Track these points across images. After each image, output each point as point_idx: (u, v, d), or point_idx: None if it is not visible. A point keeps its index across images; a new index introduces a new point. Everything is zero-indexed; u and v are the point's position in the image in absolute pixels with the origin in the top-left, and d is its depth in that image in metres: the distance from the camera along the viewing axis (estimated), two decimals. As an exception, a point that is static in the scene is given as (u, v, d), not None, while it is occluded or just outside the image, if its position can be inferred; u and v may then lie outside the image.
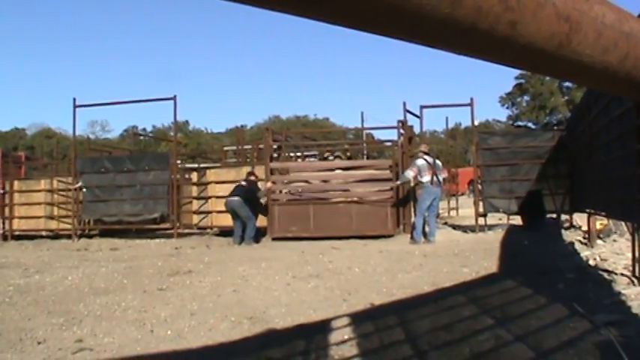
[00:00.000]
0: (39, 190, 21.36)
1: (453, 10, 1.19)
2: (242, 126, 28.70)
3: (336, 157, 21.24)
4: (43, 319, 7.54)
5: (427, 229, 15.62)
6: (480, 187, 17.47)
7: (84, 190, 19.78)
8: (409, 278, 9.83)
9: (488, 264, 10.95)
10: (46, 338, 6.65)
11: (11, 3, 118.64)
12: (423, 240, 15.26)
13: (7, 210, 21.40)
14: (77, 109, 20.33)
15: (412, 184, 16.63)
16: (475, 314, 6.99)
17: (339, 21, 1.19)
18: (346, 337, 6.26)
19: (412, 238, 15.41)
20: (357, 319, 7.07)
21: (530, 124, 68.81)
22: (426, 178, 15.64)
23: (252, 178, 17.61)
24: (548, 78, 68.01)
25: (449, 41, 1.38)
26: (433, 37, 1.33)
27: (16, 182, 21.83)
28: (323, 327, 6.75)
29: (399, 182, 16.43)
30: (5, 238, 20.91)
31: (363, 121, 26.72)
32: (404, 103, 18.00)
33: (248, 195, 17.02)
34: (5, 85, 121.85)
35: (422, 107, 18.58)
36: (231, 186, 17.48)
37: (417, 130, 18.85)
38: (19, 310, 8.17)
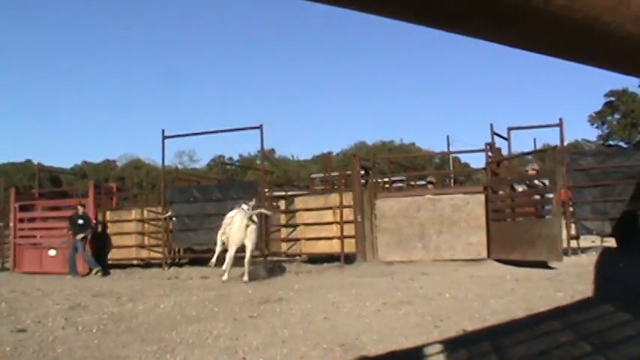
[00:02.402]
0: (130, 220, 21.75)
1: (636, 27, 1.12)
2: (328, 153, 28.74)
3: (428, 182, 21.07)
4: (137, 346, 7.61)
5: None
6: (571, 209, 17.06)
7: (174, 219, 20.05)
8: (502, 303, 9.62)
9: (583, 288, 10.63)
10: (140, 366, 6.70)
11: (98, 39, 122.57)
12: None
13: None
14: (166, 140, 20.73)
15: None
16: (572, 340, 6.78)
17: (522, 45, 1.14)
18: (440, 364, 6.14)
19: None
20: (450, 345, 6.93)
21: (621, 143, 66.92)
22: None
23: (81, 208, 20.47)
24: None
25: (624, 62, 1.30)
26: (611, 59, 1.26)
27: (108, 212, 22.28)
28: (415, 354, 6.64)
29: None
30: (99, 267, 21.34)
31: (449, 144, 26.51)
32: (491, 125, 17.68)
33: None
34: (97, 119, 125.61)
35: (509, 129, 18.24)
36: (320, 213, 17.95)
37: (504, 152, 18.54)
38: (114, 337, 8.28)
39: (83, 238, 20.00)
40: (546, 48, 1.19)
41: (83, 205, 20.64)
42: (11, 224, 22.93)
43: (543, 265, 14.17)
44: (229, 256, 15.58)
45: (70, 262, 20.03)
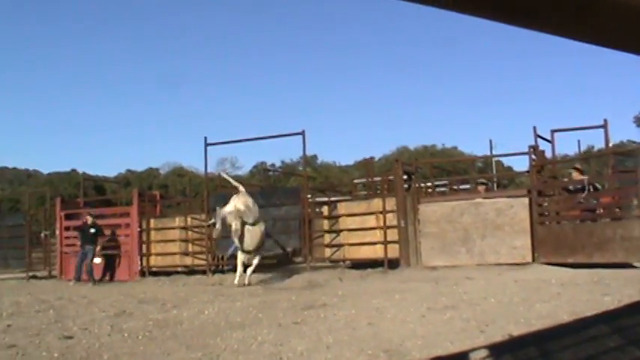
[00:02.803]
0: (174, 228, 21.91)
1: None
2: (370, 158, 28.56)
3: (480, 182, 20.81)
4: (182, 353, 7.65)
5: None
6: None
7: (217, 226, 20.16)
8: (547, 308, 9.51)
9: (632, 292, 10.47)
10: (185, 372, 6.72)
11: (138, 50, 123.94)
12: None
13: (144, 247, 22.03)
14: (208, 148, 20.88)
15: None
16: (621, 345, 6.65)
17: (592, 39, 1.12)
18: (486, 369, 6.07)
19: None
20: (496, 350, 6.85)
21: (670, 144, 65.51)
22: None
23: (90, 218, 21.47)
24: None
25: None
26: None
27: (152, 220, 22.45)
28: (461, 359, 6.55)
29: None
30: (143, 274, 21.49)
31: (491, 148, 26.23)
32: (534, 128, 17.49)
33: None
34: (139, 128, 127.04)
35: (553, 131, 18.05)
36: (363, 219, 18.00)
37: (548, 155, 18.31)
38: (159, 344, 8.32)
39: (94, 248, 21.02)
40: (616, 42, 1.15)
41: (92, 215, 21.57)
42: (57, 233, 23.27)
43: (618, 266, 14.02)
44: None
45: (83, 269, 21.06)
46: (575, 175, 16.24)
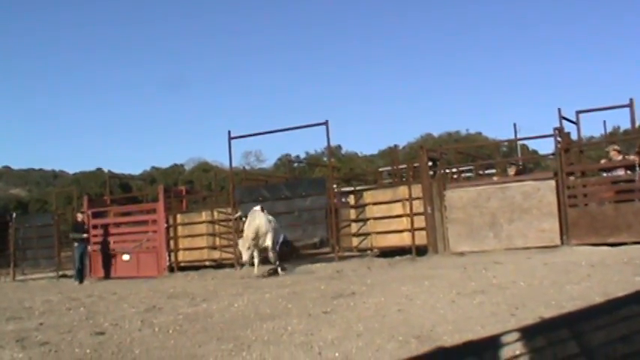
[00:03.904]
0: (200, 222, 21.98)
1: None
2: (395, 146, 28.49)
3: (511, 164, 20.71)
4: (213, 345, 7.64)
5: None
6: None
7: (243, 219, 20.16)
8: (578, 289, 9.43)
9: (662, 271, 10.38)
10: (217, 364, 6.73)
11: (160, 50, 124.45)
12: None
13: (172, 243, 22.12)
14: (232, 142, 20.88)
15: None
16: (654, 324, 6.59)
17: None
18: (518, 352, 6.05)
19: None
20: (527, 333, 6.79)
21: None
22: None
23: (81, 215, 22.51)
24: None
25: None
26: None
27: (178, 216, 22.55)
28: (492, 343, 6.52)
29: None
30: (172, 269, 21.61)
31: (516, 132, 26.05)
32: (559, 110, 17.33)
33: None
34: (162, 125, 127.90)
35: (578, 112, 17.89)
36: (390, 207, 18.00)
37: (573, 136, 18.14)
38: (190, 337, 8.33)
39: (85, 245, 21.88)
40: None
41: (83, 213, 22.63)
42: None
43: None
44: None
45: (81, 269, 21.91)
46: (614, 154, 16.10)
